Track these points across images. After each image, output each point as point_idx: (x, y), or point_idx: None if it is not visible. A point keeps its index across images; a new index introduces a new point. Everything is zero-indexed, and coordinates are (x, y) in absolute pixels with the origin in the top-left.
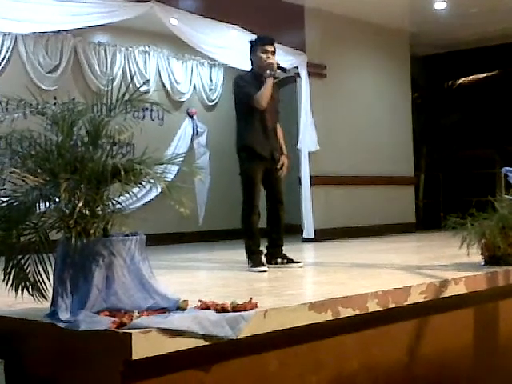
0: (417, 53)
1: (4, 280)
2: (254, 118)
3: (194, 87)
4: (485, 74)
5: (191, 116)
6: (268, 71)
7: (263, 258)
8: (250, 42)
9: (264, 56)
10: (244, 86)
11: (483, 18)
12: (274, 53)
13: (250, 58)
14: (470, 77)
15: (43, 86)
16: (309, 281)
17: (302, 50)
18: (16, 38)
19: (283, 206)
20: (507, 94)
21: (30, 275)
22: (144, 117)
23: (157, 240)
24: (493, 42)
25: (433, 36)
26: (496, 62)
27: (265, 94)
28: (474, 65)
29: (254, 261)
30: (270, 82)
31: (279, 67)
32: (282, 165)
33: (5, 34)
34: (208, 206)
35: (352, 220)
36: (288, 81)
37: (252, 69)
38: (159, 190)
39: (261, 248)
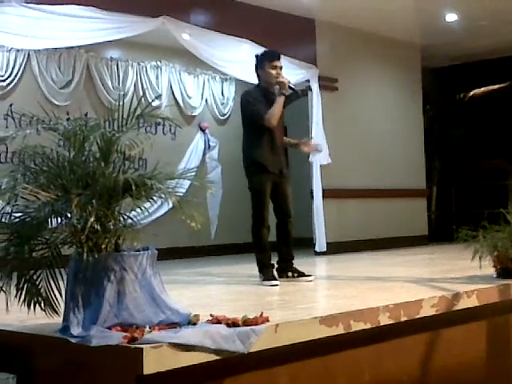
0: (428, 65)
1: (16, 295)
2: (262, 135)
3: (206, 101)
4: (496, 86)
5: (203, 130)
6: (278, 89)
7: (275, 272)
8: (257, 56)
9: (274, 72)
10: (253, 103)
11: (494, 29)
12: (281, 68)
13: (257, 73)
14: (482, 88)
15: (56, 102)
16: (320, 294)
17: (314, 64)
18: (29, 54)
19: (291, 220)
20: None
21: (42, 290)
22: (156, 131)
23: (169, 254)
24: (504, 54)
25: (444, 48)
26: (507, 73)
27: (276, 114)
28: (485, 76)
29: (266, 274)
30: (281, 101)
31: (291, 88)
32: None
33: (18, 51)
34: (220, 220)
35: (364, 233)
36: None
37: (259, 83)
38: (171, 205)
39: (272, 262)
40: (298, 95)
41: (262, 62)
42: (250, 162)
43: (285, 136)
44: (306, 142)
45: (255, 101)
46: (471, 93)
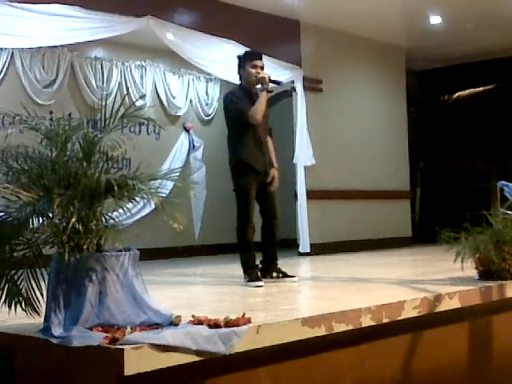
0: (413, 67)
1: None
2: (247, 132)
3: (191, 102)
4: (481, 88)
5: (187, 130)
6: (260, 85)
7: (259, 273)
8: (238, 56)
9: (254, 71)
10: (236, 102)
11: (478, 32)
12: (262, 68)
13: (239, 73)
14: (466, 91)
15: (39, 101)
16: (303, 295)
17: (298, 65)
18: (13, 52)
19: (277, 221)
20: (503, 107)
21: (23, 290)
22: (140, 131)
23: (152, 255)
24: (488, 57)
25: (428, 50)
26: (492, 76)
27: (259, 109)
28: (469, 79)
29: (250, 275)
30: (263, 97)
31: (272, 80)
32: (273, 178)
33: (1, 49)
34: (204, 221)
35: (348, 234)
36: (284, 95)
37: (241, 84)
38: (153, 206)
39: (256, 262)
40: (280, 84)
41: (243, 62)
42: (236, 162)
43: (269, 136)
44: (275, 169)
45: (238, 99)
46: (455, 95)
